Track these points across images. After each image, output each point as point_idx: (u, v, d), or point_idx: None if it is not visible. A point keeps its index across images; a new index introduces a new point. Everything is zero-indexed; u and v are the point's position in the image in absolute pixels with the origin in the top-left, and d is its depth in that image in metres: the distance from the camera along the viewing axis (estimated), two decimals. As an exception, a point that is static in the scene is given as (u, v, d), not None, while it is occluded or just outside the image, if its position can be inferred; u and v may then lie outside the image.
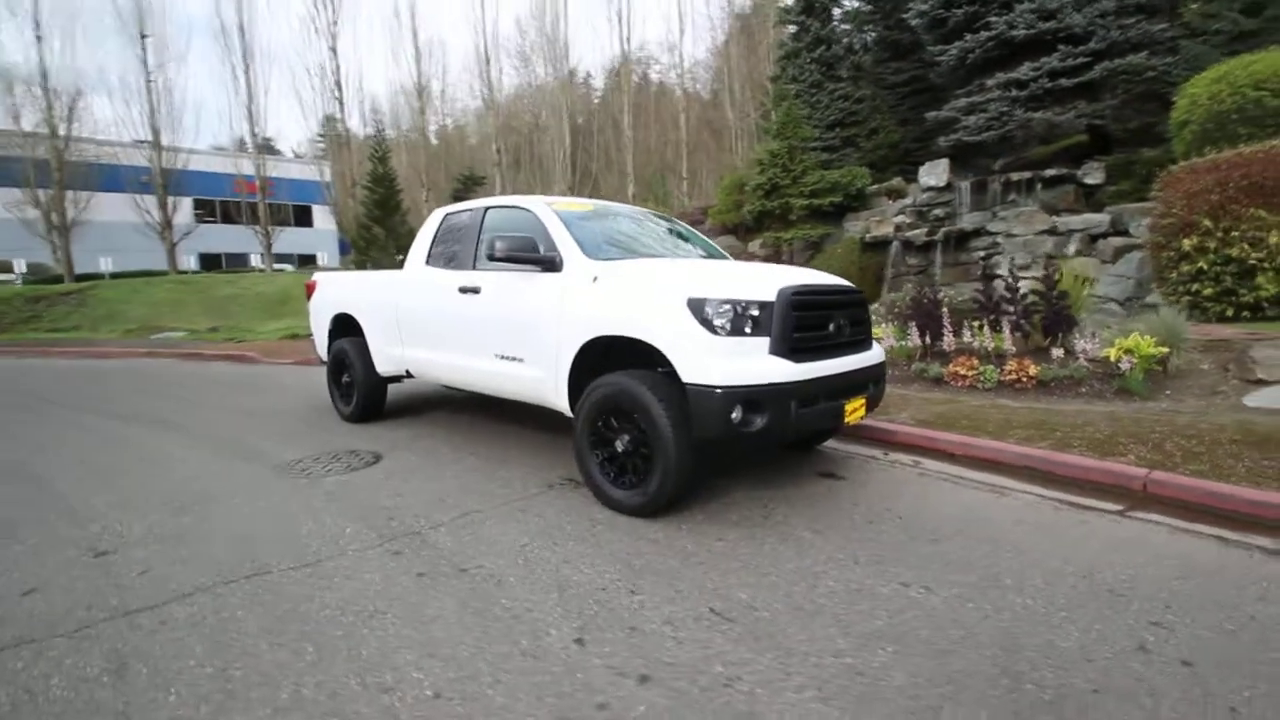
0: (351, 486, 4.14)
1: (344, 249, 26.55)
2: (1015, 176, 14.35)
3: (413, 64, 27.31)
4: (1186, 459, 3.99)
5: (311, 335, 6.69)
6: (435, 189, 30.23)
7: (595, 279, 3.75)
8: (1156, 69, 13.02)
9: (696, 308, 3.26)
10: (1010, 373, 5.82)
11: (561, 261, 3.97)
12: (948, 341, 6.47)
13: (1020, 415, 5.11)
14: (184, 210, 28.86)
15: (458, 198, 20.88)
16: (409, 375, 5.47)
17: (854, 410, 3.70)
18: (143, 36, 26.85)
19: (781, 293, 3.36)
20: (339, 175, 27.51)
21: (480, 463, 4.62)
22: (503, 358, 4.32)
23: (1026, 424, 4.87)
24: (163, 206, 26.48)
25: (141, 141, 27.08)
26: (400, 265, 5.53)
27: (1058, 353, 5.94)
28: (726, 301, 3.25)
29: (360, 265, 17.74)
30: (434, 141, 28.84)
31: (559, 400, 3.97)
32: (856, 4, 20.17)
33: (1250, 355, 5.38)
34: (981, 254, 12.82)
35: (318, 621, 2.51)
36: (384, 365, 5.63)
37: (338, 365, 6.09)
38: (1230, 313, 7.16)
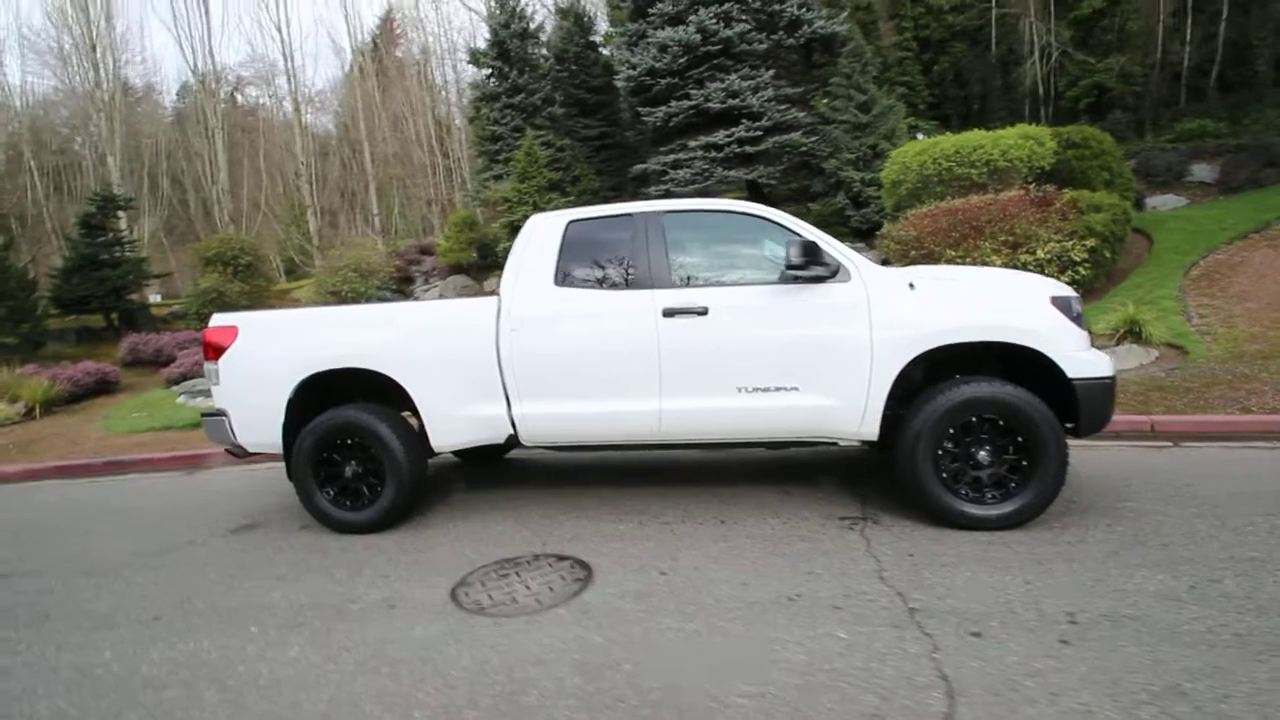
0: (684, 600, 2.87)
1: None
2: (728, 222, 17.14)
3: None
4: (1147, 405, 5.64)
5: (220, 414, 4.15)
6: None
7: (911, 285, 3.47)
8: (807, 145, 17.24)
9: (1064, 306, 3.37)
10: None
11: (848, 270, 3.53)
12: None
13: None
14: None
15: (89, 224, 14.40)
16: (510, 443, 3.94)
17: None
18: None
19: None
20: None
21: (717, 528, 3.65)
22: (757, 390, 3.56)
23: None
24: None
25: None
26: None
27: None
28: (1075, 298, 3.44)
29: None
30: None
31: (863, 427, 3.50)
32: (549, 61, 21.34)
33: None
34: (733, 285, 14.98)
35: None
36: (457, 435, 3.93)
37: (328, 450, 3.96)
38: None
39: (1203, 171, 13.81)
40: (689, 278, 3.75)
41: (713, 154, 17.59)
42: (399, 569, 3.42)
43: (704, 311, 3.61)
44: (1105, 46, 16.39)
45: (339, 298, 15.59)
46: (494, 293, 4.06)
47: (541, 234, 3.97)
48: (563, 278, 3.86)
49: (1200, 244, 9.98)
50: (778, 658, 2.30)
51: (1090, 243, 9.35)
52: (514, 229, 16.42)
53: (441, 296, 17.47)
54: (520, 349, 3.79)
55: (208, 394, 11.33)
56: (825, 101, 17.73)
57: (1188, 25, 16.26)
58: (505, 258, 15.85)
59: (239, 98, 33.18)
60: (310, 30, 63.16)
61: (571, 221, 3.98)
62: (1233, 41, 15.48)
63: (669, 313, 3.64)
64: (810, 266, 3.41)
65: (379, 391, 4.10)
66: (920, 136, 17.72)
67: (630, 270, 3.80)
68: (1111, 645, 2.27)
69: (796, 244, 3.37)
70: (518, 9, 20.48)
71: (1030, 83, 18.59)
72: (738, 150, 17.36)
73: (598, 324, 3.74)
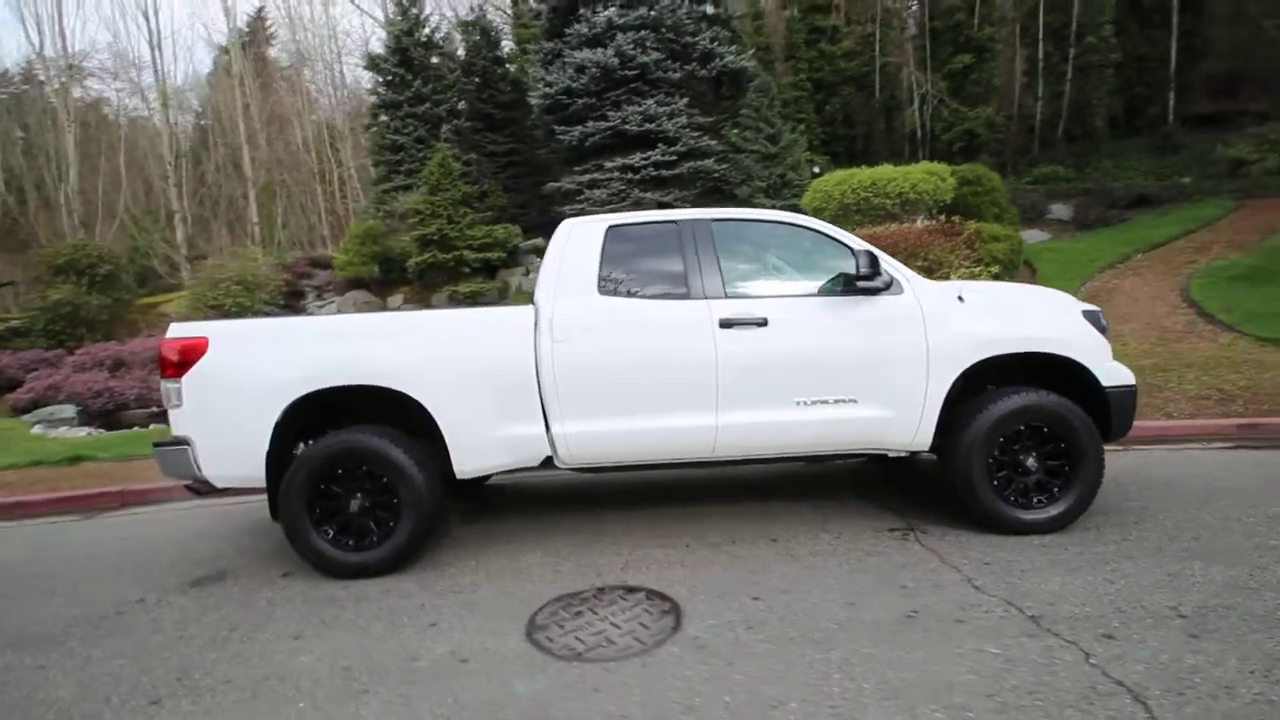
0: (820, 629, 2.69)
1: None
2: (645, 243, 17.31)
3: None
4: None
5: (180, 443, 3.44)
6: None
7: (960, 298, 3.57)
8: (719, 171, 17.85)
9: (1094, 319, 3.60)
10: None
11: (900, 283, 3.57)
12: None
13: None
14: None
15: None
16: (548, 464, 3.58)
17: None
18: None
19: (1088, 305, 3.99)
20: None
21: (772, 547, 3.51)
22: (816, 403, 3.49)
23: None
24: None
25: None
26: None
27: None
28: (1100, 313, 3.69)
29: None
30: None
31: (917, 437, 3.54)
32: (455, 72, 20.64)
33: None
34: (656, 305, 15.06)
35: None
36: (486, 459, 3.53)
37: (326, 481, 3.40)
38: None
39: (1060, 210, 15.76)
40: (741, 288, 3.63)
41: (629, 175, 17.67)
42: (444, 616, 2.97)
43: (763, 322, 3.50)
44: (974, 98, 18.39)
45: (221, 312, 13.95)
46: (527, 301, 3.71)
47: (579, 240, 3.69)
48: (607, 286, 3.61)
49: (1077, 272, 11.31)
50: (950, 679, 2.20)
51: (995, 269, 10.29)
52: (425, 242, 15.56)
53: (340, 312, 16.13)
54: (564, 363, 3.47)
55: (71, 423, 9.67)
56: (735, 131, 18.47)
57: (1039, 84, 18.65)
58: (414, 272, 14.93)
59: (77, 91, 29.12)
60: (184, 23, 56.58)
61: (612, 227, 3.74)
62: (1075, 100, 17.97)
63: (726, 323, 3.49)
64: (874, 278, 3.42)
65: (375, 412, 3.61)
66: (816, 171, 18.92)
67: (680, 279, 3.62)
68: (1235, 636, 2.38)
69: (864, 255, 3.36)
70: (421, 16, 19.67)
71: (910, 126, 20.44)
72: (653, 173, 17.58)
73: (651, 335, 3.52)
